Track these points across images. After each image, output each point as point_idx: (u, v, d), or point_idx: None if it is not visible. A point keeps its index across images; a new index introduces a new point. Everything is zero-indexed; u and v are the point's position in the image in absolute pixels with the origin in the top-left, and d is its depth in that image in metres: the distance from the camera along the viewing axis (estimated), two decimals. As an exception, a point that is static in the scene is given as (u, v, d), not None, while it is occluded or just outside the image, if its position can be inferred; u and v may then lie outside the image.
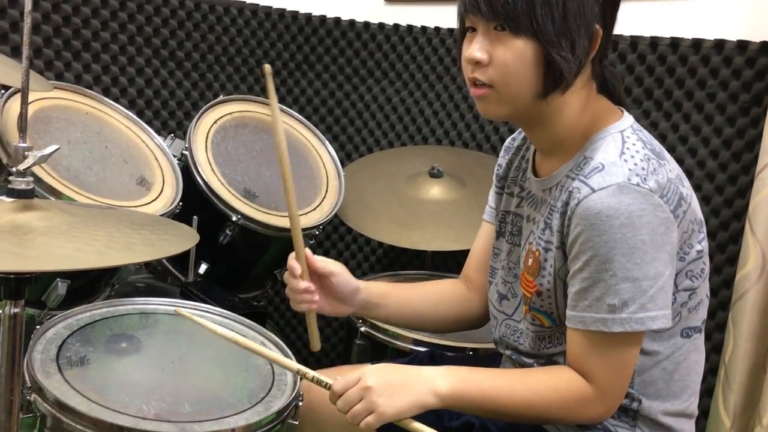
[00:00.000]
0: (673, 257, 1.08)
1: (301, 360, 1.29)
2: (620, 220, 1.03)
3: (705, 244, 1.15)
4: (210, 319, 1.47)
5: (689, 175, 1.89)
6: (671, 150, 1.92)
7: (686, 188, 1.12)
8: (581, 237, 1.06)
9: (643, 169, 1.06)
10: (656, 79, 1.93)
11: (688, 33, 1.88)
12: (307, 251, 1.27)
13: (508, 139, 1.37)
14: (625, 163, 1.07)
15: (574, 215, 1.07)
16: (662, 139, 1.93)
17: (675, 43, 1.89)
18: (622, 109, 1.18)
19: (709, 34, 1.85)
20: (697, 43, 1.86)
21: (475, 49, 1.09)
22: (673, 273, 1.09)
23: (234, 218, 1.77)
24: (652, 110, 1.94)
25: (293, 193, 1.24)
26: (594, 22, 1.09)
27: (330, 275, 1.28)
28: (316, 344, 1.33)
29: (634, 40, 1.95)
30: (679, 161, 1.91)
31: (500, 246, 1.31)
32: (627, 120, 1.15)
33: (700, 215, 1.14)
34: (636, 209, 1.03)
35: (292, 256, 1.27)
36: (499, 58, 1.08)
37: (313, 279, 1.28)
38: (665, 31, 1.91)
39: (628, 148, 1.09)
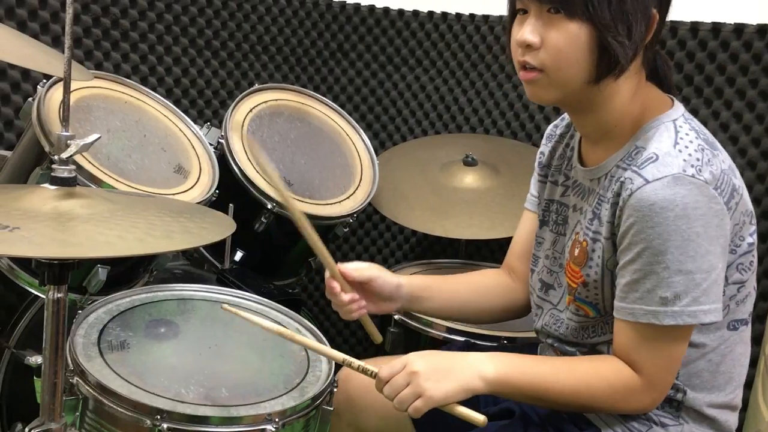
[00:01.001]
0: (725, 250, 1.06)
1: (334, 347, 1.30)
2: (675, 212, 1.00)
3: (755, 236, 1.13)
4: (247, 306, 1.49)
5: (730, 163, 1.86)
6: (711, 138, 1.88)
7: (738, 179, 1.09)
8: (633, 228, 1.04)
9: (697, 159, 1.03)
10: (697, 65, 1.89)
11: (729, 18, 1.84)
12: (341, 266, 1.26)
13: (550, 127, 1.34)
14: (679, 153, 1.04)
15: (627, 206, 1.05)
16: (702, 125, 1.90)
17: (716, 28, 1.85)
18: (672, 97, 1.15)
19: (752, 18, 1.80)
20: (739, 28, 1.82)
21: (527, 31, 1.06)
22: (725, 266, 1.07)
23: (269, 206, 1.78)
24: (692, 97, 1.91)
25: (308, 225, 1.22)
26: (651, 6, 1.06)
27: (369, 281, 1.27)
28: (377, 337, 1.37)
29: (674, 26, 1.91)
30: (720, 149, 1.87)
31: (543, 235, 1.29)
32: (678, 109, 1.12)
33: (750, 207, 1.12)
34: (691, 201, 1.01)
35: (327, 275, 1.26)
36: (551, 42, 1.05)
37: (354, 286, 1.27)
38: (706, 16, 1.87)
39: (681, 138, 1.06)
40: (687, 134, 1.07)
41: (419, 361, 1.10)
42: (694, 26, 1.88)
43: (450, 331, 1.64)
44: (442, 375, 1.09)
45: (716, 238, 1.03)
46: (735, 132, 1.85)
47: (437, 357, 1.13)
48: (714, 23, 1.85)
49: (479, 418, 1.10)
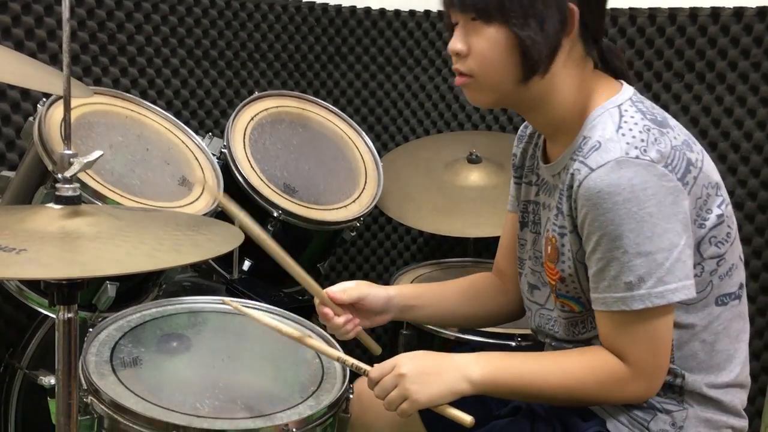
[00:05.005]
0: (687, 226, 1.05)
1: (346, 350, 1.30)
2: (623, 196, 1.01)
3: (726, 207, 1.11)
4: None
5: (736, 147, 1.85)
6: (716, 123, 1.87)
7: (695, 153, 1.08)
8: (588, 218, 1.05)
9: (642, 141, 1.04)
10: (698, 50, 1.88)
11: (728, 1, 1.83)
12: (328, 290, 1.27)
13: (521, 128, 1.35)
14: (622, 137, 1.05)
15: (579, 197, 1.06)
16: (706, 112, 1.88)
17: (716, 12, 1.84)
18: (622, 82, 1.16)
19: (751, 1, 1.79)
20: (738, 12, 1.81)
21: (454, 41, 1.12)
22: (690, 242, 1.06)
23: (275, 214, 1.78)
24: (694, 83, 1.90)
25: (290, 260, 1.25)
26: (566, 1, 1.08)
27: (359, 300, 1.28)
28: (377, 349, 1.36)
29: (673, 12, 1.90)
30: (725, 134, 1.86)
31: (525, 236, 1.30)
32: (625, 92, 1.13)
33: (716, 178, 1.11)
34: (638, 182, 1.01)
35: (318, 302, 1.28)
36: (476, 48, 1.10)
37: (345, 308, 1.28)
38: (704, 1, 1.86)
39: (626, 122, 1.07)
40: (632, 117, 1.08)
41: (408, 363, 1.12)
42: (693, 12, 1.87)
43: (462, 331, 1.63)
44: (429, 378, 1.11)
45: (673, 215, 1.03)
46: (740, 116, 1.84)
47: (425, 359, 1.14)
48: (713, 8, 1.84)
49: (466, 418, 1.11)
